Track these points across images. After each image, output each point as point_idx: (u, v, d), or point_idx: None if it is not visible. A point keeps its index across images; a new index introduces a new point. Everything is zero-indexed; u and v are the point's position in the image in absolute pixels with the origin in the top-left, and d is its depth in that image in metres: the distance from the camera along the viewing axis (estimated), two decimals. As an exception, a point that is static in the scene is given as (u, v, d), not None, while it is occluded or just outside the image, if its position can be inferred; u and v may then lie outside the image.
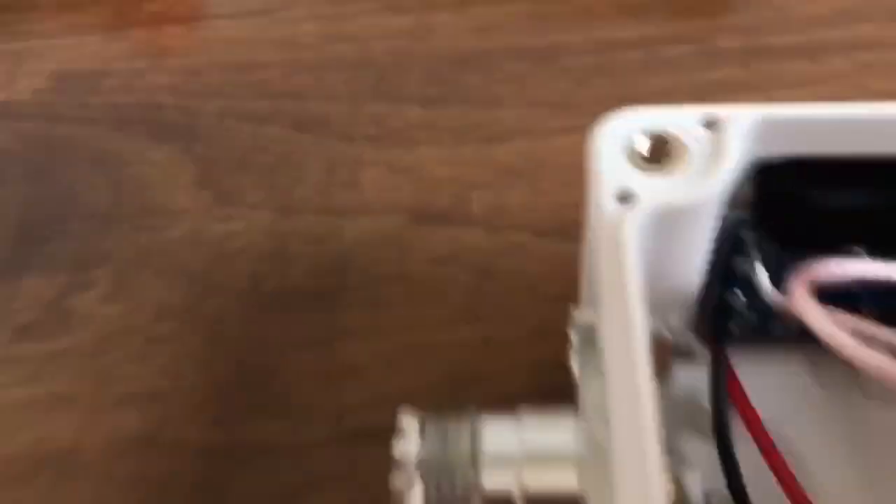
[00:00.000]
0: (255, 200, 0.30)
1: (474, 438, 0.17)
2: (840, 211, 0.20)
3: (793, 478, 0.19)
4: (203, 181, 0.31)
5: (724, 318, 0.22)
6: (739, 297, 0.22)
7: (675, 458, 0.20)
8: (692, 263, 0.20)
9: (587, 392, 0.17)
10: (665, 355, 0.18)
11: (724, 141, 0.18)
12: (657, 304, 0.20)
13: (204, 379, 0.26)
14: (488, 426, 0.18)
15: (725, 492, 0.20)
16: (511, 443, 0.17)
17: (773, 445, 0.20)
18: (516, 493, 0.17)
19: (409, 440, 0.17)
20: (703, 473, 0.20)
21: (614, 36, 0.34)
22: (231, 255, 0.29)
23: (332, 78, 0.34)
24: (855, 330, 0.19)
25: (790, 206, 0.20)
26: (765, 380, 0.23)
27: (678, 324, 0.19)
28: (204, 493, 0.24)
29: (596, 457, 0.16)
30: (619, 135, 0.19)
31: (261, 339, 0.27)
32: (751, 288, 0.21)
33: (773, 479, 0.19)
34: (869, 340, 0.19)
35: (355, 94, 0.33)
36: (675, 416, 0.21)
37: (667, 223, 0.18)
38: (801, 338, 0.23)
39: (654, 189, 0.18)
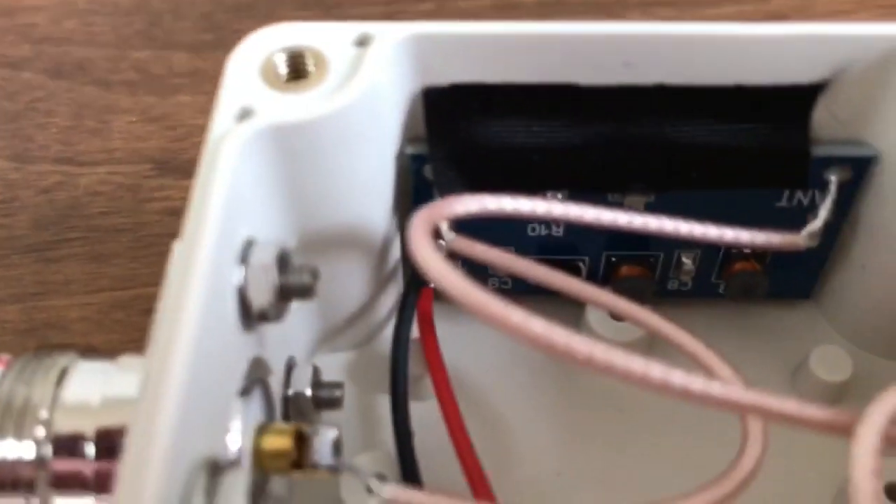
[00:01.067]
0: (-8, 146, 0.28)
1: (60, 380, 0.15)
2: (505, 144, 0.18)
3: (469, 449, 0.18)
4: (-60, 126, 0.28)
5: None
6: (443, 245, 0.21)
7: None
8: (358, 194, 0.18)
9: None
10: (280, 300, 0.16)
11: (367, 59, 0.16)
12: (314, 236, 0.18)
13: None
14: (79, 370, 0.16)
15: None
16: (95, 386, 0.15)
17: (454, 404, 0.19)
18: (88, 434, 0.15)
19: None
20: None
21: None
22: (-49, 203, 0.26)
23: (102, 22, 0.31)
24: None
25: (455, 138, 0.18)
26: (474, 335, 0.22)
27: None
28: None
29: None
30: (258, 53, 0.17)
31: (-36, 292, 0.24)
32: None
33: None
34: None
35: (123, 40, 0.31)
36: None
37: (289, 141, 0.16)
38: (519, 291, 0.22)
39: (279, 106, 0.16)
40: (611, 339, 0.21)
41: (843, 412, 0.14)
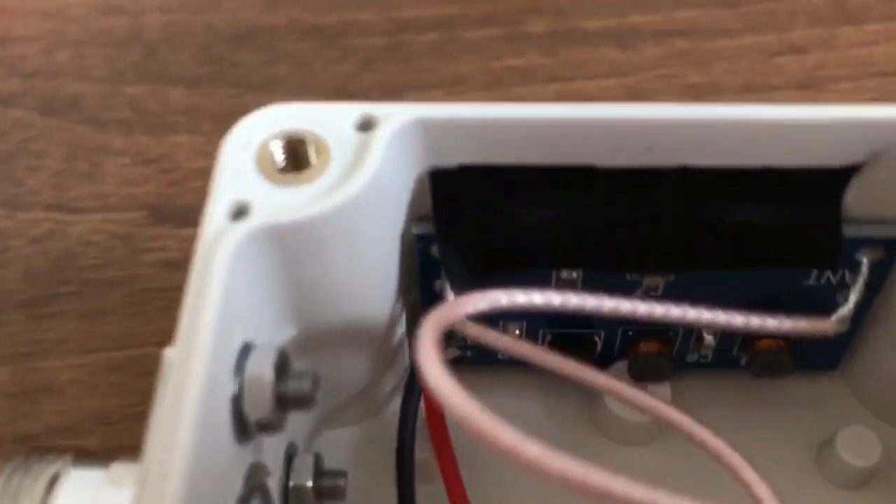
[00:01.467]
0: (-21, 192, 0.27)
1: (50, 488, 0.15)
2: (518, 224, 0.17)
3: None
4: (-74, 168, 0.27)
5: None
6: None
7: None
8: (362, 284, 0.17)
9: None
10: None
11: (371, 145, 0.15)
12: (318, 336, 0.17)
13: None
14: (71, 477, 0.15)
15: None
16: (86, 496, 0.15)
17: (461, 489, 0.18)
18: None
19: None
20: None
21: (412, 14, 0.31)
22: (-59, 254, 0.25)
23: (95, 54, 0.30)
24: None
25: (464, 219, 0.17)
26: (489, 406, 0.21)
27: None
28: None
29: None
30: (253, 138, 0.16)
31: (-47, 354, 0.23)
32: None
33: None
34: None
35: (117, 74, 0.30)
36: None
37: (289, 239, 0.15)
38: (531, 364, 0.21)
39: (277, 202, 0.15)
40: (628, 418, 0.20)
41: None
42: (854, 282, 0.18)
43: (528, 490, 0.20)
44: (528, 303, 0.16)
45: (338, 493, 0.18)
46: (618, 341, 0.20)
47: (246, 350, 0.15)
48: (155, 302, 0.24)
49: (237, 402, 0.14)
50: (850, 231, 0.17)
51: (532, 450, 0.13)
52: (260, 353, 0.15)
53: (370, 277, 0.17)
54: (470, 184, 0.17)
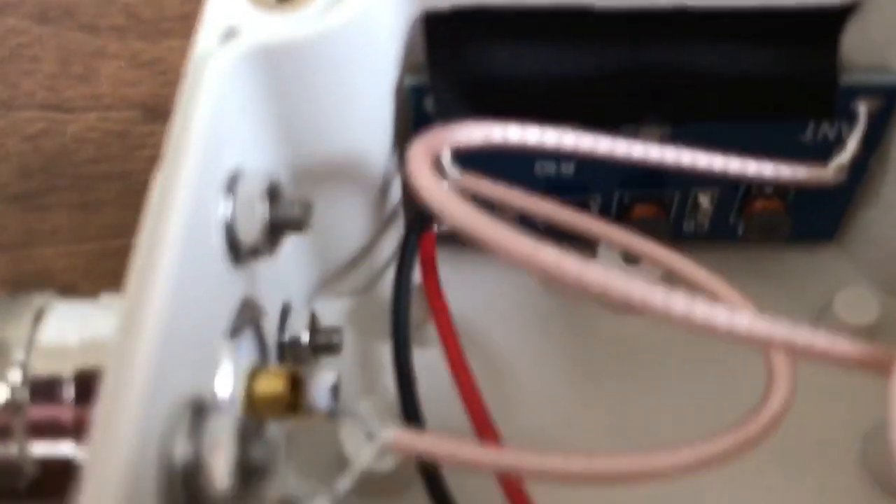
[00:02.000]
0: (-26, 94, 0.27)
1: (36, 321, 0.15)
2: (513, 71, 0.17)
3: (473, 390, 0.17)
4: (-80, 74, 0.27)
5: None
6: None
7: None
8: (354, 127, 0.17)
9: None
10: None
11: (361, -25, 0.15)
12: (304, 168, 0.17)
13: None
14: (56, 310, 0.15)
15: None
16: (73, 327, 0.14)
17: (457, 346, 0.18)
18: (66, 377, 0.14)
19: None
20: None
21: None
22: (-66, 151, 0.25)
23: (89, -35, 0.30)
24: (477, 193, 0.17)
25: (458, 66, 0.17)
26: (479, 281, 0.21)
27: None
28: None
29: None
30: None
31: (-52, 243, 0.23)
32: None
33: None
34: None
35: (111, -17, 0.30)
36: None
37: (277, 63, 0.15)
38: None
39: (265, 26, 0.15)
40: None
41: (878, 348, 0.13)
42: (851, 132, 0.17)
43: (521, 355, 0.20)
44: (521, 139, 0.16)
45: (334, 348, 0.18)
46: (613, 207, 0.20)
47: (236, 176, 0.15)
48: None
49: (228, 224, 0.14)
50: (846, 79, 0.17)
51: (525, 244, 0.12)
52: (251, 177, 0.14)
53: (363, 119, 0.17)
54: (463, 28, 0.16)
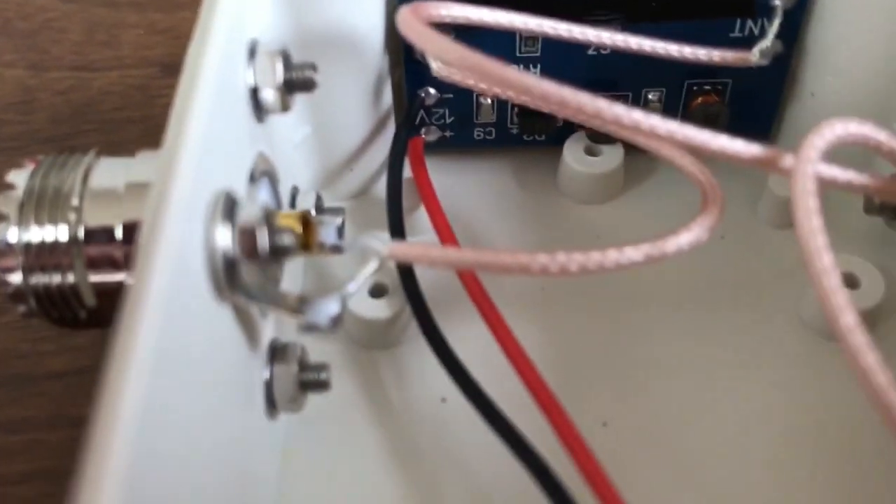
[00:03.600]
0: (8, 60, 0.30)
1: (86, 175, 0.17)
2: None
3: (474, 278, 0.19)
4: (-38, 45, 0.31)
5: (412, 108, 0.22)
6: (431, 93, 0.23)
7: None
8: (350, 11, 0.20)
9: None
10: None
11: None
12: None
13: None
14: (101, 164, 0.18)
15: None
16: (118, 178, 0.17)
17: (443, 216, 0.21)
18: (116, 221, 0.17)
19: (20, 173, 0.17)
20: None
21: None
22: (-24, 105, 0.28)
23: (108, -46, 0.34)
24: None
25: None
26: (465, 184, 0.24)
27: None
28: None
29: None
30: None
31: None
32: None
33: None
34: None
35: (128, -33, 0.33)
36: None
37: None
38: (502, 143, 0.24)
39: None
40: (587, 171, 0.23)
41: (768, 148, 0.16)
42: (771, 24, 0.21)
43: (499, 236, 0.23)
44: (494, 21, 0.19)
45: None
46: (576, 107, 0.23)
47: (255, 43, 0.18)
48: (169, 132, 0.27)
49: (254, 89, 0.17)
50: (764, -20, 0.20)
51: (510, 71, 0.15)
52: (268, 43, 0.18)
53: (357, 9, 0.20)
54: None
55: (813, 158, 0.16)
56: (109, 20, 0.31)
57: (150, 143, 0.27)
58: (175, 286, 0.13)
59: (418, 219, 0.22)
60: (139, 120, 0.28)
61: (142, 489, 0.11)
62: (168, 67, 0.29)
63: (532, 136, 0.23)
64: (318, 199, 0.21)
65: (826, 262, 0.14)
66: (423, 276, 0.19)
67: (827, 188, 0.16)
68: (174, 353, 0.13)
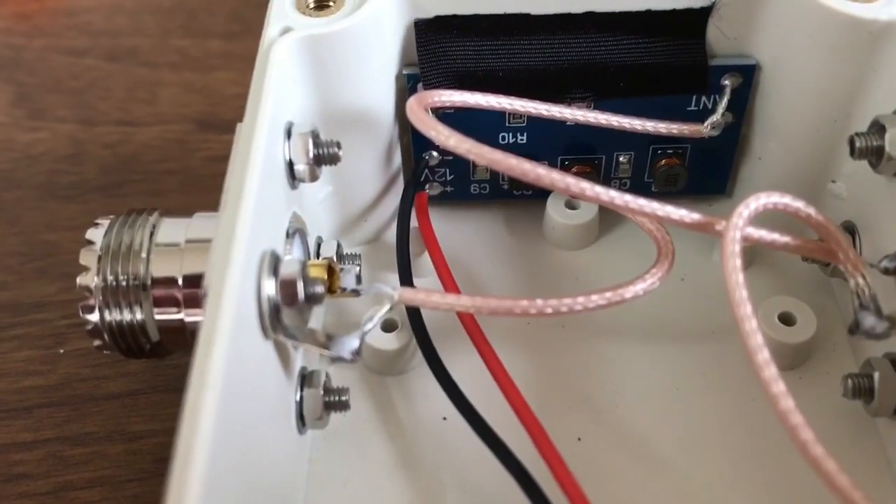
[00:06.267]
0: (62, 115, 0.34)
1: (152, 233, 0.21)
2: (478, 59, 0.24)
3: (454, 286, 0.23)
4: (19, 101, 0.34)
5: (418, 168, 0.26)
6: (434, 156, 0.26)
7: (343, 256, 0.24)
8: (367, 98, 0.24)
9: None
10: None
11: (372, -5, 0.23)
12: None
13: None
14: (164, 223, 0.21)
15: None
16: (179, 235, 0.21)
17: (443, 260, 0.24)
18: (178, 275, 0.20)
19: (97, 230, 0.21)
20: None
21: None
22: (34, 157, 0.32)
23: (146, 19, 0.38)
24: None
25: (440, 58, 0.24)
26: (463, 231, 0.28)
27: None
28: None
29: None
30: (291, -7, 0.23)
31: (49, 222, 0.30)
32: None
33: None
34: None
35: (165, 31, 0.37)
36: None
37: (316, 48, 0.22)
38: (495, 196, 0.27)
39: (309, 25, 0.22)
40: (566, 223, 0.26)
41: (707, 216, 0.20)
42: (721, 100, 0.24)
43: (492, 278, 0.26)
44: (487, 103, 0.23)
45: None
46: (557, 166, 0.27)
47: (291, 125, 0.21)
48: (206, 183, 0.31)
49: (290, 163, 0.21)
50: (714, 62, 0.24)
51: (497, 154, 0.19)
52: (301, 125, 0.21)
53: (373, 93, 0.24)
54: (443, 31, 0.24)
55: (739, 225, 0.19)
56: (149, 79, 0.35)
57: (189, 192, 0.31)
58: (235, 327, 0.16)
59: (423, 262, 0.26)
60: (178, 171, 0.32)
61: (215, 487, 0.15)
62: (202, 123, 0.33)
63: (521, 190, 0.27)
64: (339, 246, 0.25)
65: (747, 310, 0.18)
66: (427, 313, 0.23)
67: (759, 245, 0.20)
68: (235, 379, 0.16)
